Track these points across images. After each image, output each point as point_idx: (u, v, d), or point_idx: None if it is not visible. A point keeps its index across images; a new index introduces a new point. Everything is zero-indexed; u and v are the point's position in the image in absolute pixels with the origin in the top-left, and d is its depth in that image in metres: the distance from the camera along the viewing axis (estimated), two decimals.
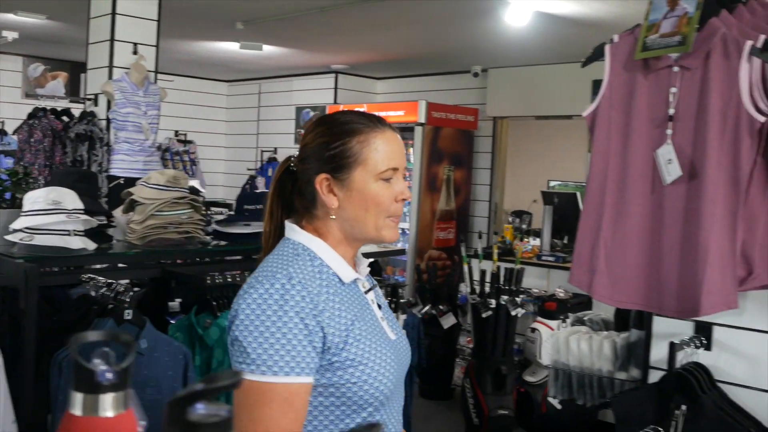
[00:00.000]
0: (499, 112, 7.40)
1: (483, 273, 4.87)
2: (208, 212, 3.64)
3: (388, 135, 1.48)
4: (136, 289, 2.66)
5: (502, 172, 7.52)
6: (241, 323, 1.36)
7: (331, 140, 1.46)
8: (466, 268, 5.08)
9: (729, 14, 2.15)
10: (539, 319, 4.69)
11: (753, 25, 2.13)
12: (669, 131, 2.11)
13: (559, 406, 4.18)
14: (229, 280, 2.93)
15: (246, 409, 1.33)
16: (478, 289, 4.87)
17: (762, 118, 1.99)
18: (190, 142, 8.28)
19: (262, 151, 8.79)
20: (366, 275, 1.58)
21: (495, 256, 5.03)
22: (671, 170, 2.09)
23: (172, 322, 2.98)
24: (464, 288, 5.28)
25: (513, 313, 4.73)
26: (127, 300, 2.80)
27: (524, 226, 6.34)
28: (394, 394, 1.49)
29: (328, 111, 7.84)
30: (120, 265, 3.04)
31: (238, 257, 3.68)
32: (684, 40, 2.05)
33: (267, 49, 6.85)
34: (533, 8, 4.95)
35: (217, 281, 2.89)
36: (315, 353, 1.36)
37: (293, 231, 1.49)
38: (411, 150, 7.25)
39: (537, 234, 6.01)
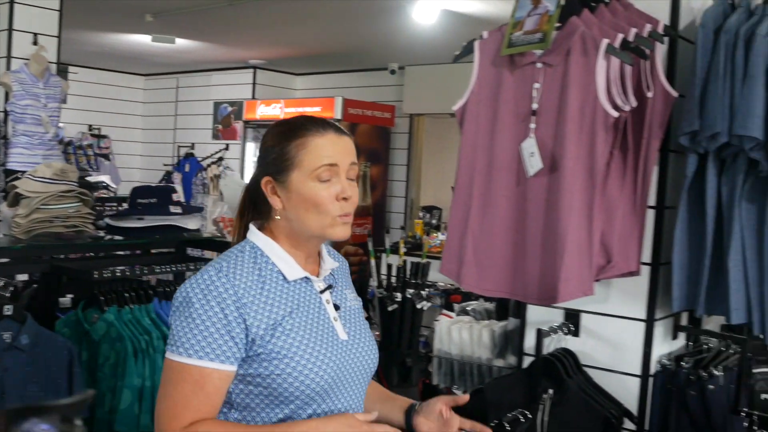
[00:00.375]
0: (416, 109, 7.51)
1: (389, 267, 4.95)
2: (102, 206, 3.61)
3: (329, 137, 1.54)
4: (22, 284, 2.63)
5: (418, 169, 7.64)
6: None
7: (273, 144, 1.55)
8: (373, 262, 5.14)
9: (591, 14, 2.26)
10: (444, 311, 4.78)
11: (613, 24, 2.25)
12: (532, 125, 2.20)
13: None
14: (118, 274, 2.92)
15: (164, 385, 1.48)
16: (385, 283, 4.94)
17: (615, 114, 2.10)
18: (104, 136, 8.14)
19: (179, 147, 8.71)
20: (327, 275, 1.64)
21: (401, 251, 5.11)
22: (533, 163, 2.18)
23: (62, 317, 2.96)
24: (373, 282, 5.35)
25: (419, 306, 4.81)
26: (7, 295, 2.77)
27: (434, 221, 6.45)
28: (336, 393, 1.54)
29: (245, 106, 7.82)
30: (2, 260, 2.99)
31: (135, 252, 3.67)
32: (544, 37, 2.15)
33: (180, 42, 6.79)
34: (440, 6, 5.06)
35: (104, 276, 2.88)
36: (233, 343, 1.45)
37: (250, 231, 1.58)
38: None
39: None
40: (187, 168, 8.27)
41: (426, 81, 7.37)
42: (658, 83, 2.26)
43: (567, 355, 2.51)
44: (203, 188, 7.62)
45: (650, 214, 2.39)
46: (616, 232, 2.26)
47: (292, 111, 7.51)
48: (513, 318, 2.76)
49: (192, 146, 8.47)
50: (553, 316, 2.60)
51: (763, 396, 3.88)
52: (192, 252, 3.80)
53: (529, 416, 2.38)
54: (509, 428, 2.30)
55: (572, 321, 2.56)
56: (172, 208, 3.29)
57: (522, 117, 2.23)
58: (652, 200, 2.39)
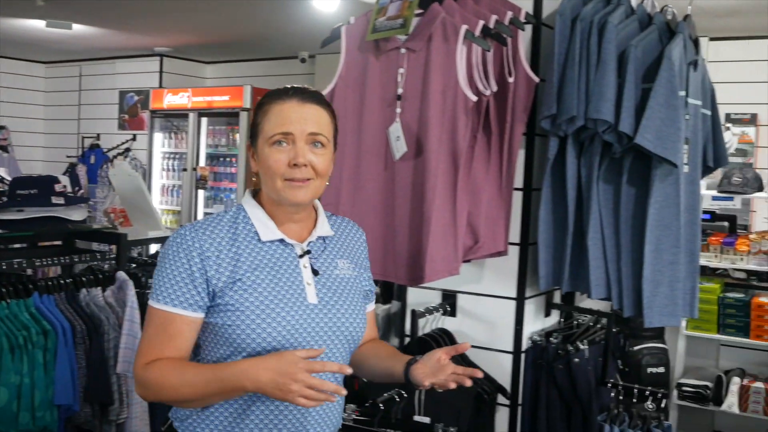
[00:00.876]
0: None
1: None
2: None
3: (290, 104, 1.62)
4: None
5: None
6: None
7: (254, 113, 1.69)
8: None
9: (453, 1, 2.35)
10: None
11: (475, 12, 2.34)
12: (398, 110, 2.29)
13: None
14: None
15: (143, 328, 1.66)
16: None
17: (474, 98, 2.20)
18: (2, 127, 7.91)
19: (84, 138, 8.52)
20: (315, 241, 1.71)
21: None
22: (399, 147, 2.26)
23: None
24: None
25: None
26: None
27: None
28: (286, 349, 1.57)
29: (152, 95, 7.71)
30: None
31: (23, 245, 3.61)
32: (405, 23, 2.23)
33: (78, 28, 6.65)
34: None
35: None
36: (195, 292, 1.60)
37: (244, 196, 1.74)
38: (237, 135, 7.27)
39: None
40: (92, 160, 8.11)
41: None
42: (521, 69, 2.37)
43: (443, 334, 2.61)
44: (109, 180, 7.49)
45: (517, 196, 2.51)
46: (482, 213, 2.36)
47: (200, 100, 7.42)
48: (396, 301, 2.84)
49: (97, 137, 8.30)
50: (432, 298, 2.70)
51: (650, 370, 4.10)
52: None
53: (405, 395, 2.48)
54: (384, 408, 2.39)
55: (449, 301, 2.66)
56: (54, 199, 3.25)
57: (388, 102, 2.31)
58: (519, 182, 2.51)
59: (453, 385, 1.73)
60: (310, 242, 1.70)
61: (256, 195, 1.73)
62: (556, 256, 2.47)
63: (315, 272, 1.68)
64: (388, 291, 3.02)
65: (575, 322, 2.71)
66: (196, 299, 1.60)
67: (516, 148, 2.40)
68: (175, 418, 1.72)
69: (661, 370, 4.04)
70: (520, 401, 2.59)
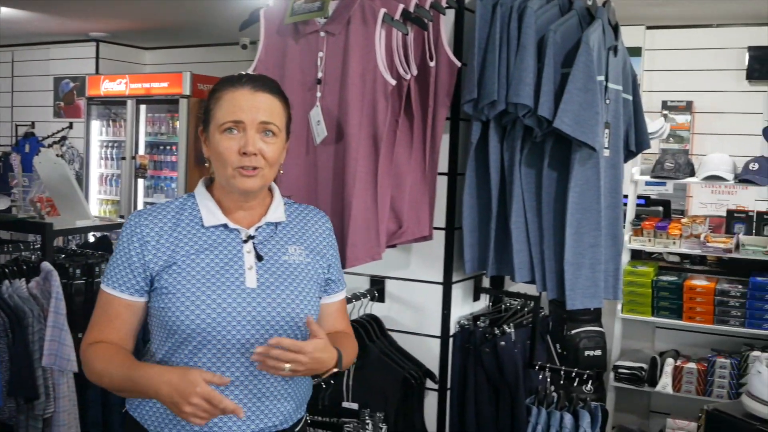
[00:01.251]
0: None
1: None
2: None
3: (241, 92, 1.66)
4: None
5: None
6: None
7: (206, 98, 1.72)
8: None
9: None
10: None
11: None
12: (318, 94, 2.29)
13: None
14: None
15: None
16: None
17: (393, 82, 2.21)
18: None
19: (18, 126, 8.32)
20: (264, 227, 1.73)
21: None
22: (320, 131, 2.27)
23: None
24: None
25: None
26: None
27: None
28: (223, 335, 1.62)
29: (88, 82, 7.56)
30: None
31: None
32: (322, 5, 2.23)
33: (6, 12, 6.49)
34: None
35: None
36: (132, 276, 1.66)
37: (198, 184, 1.77)
38: (178, 123, 7.18)
39: None
40: (27, 148, 7.92)
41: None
42: (443, 53, 2.39)
43: (371, 320, 2.63)
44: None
45: (442, 181, 2.54)
46: (406, 198, 2.38)
47: (138, 87, 7.30)
48: None
49: (32, 125, 8.11)
50: (360, 284, 2.71)
51: (587, 353, 4.18)
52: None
53: (332, 382, 2.50)
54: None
55: (377, 287, 2.68)
56: None
57: (308, 85, 2.31)
58: (443, 167, 2.53)
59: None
60: (258, 228, 1.73)
61: (210, 184, 1.76)
62: (481, 240, 2.51)
63: (259, 257, 1.70)
64: None
65: (503, 306, 2.75)
66: (132, 283, 1.67)
67: (439, 132, 2.42)
68: (134, 408, 1.75)
69: (598, 353, 4.13)
70: (448, 385, 2.63)
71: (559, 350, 4.11)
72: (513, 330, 2.56)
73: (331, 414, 2.47)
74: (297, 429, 1.82)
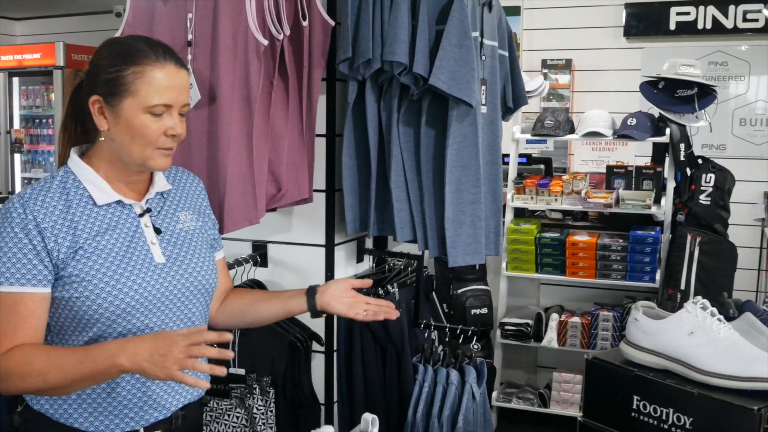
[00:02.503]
0: None
1: None
2: None
3: (168, 70, 1.60)
4: None
5: None
6: None
7: (109, 64, 1.58)
8: None
9: None
10: None
11: None
12: (189, 57, 2.23)
13: None
14: None
15: None
16: None
17: (265, 42, 2.18)
18: None
19: None
20: (154, 198, 1.71)
21: None
22: (192, 95, 2.21)
23: None
24: None
25: None
26: None
27: None
28: (145, 314, 1.61)
29: None
30: None
31: None
32: None
33: None
34: None
35: None
36: (42, 266, 1.55)
37: (70, 158, 1.66)
38: (53, 95, 6.91)
39: None
40: None
41: None
42: (316, 12, 2.37)
43: (254, 285, 2.62)
44: None
45: (321, 143, 2.54)
46: (284, 161, 2.37)
47: (9, 58, 7.02)
48: None
49: None
50: (242, 249, 2.69)
51: (474, 311, 4.30)
52: None
53: (215, 345, 2.47)
54: None
55: (259, 252, 2.67)
56: None
57: (179, 48, 2.24)
58: (321, 128, 2.53)
59: (378, 317, 1.90)
60: (148, 200, 1.71)
61: (83, 154, 1.68)
62: (362, 201, 2.53)
63: (157, 230, 1.70)
64: None
65: (387, 267, 2.79)
66: (44, 273, 1.56)
67: (315, 93, 2.41)
68: (38, 401, 1.66)
69: (485, 311, 4.26)
70: (335, 347, 2.65)
71: (446, 310, 4.23)
72: (397, 290, 2.60)
73: (217, 381, 2.45)
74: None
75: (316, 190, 2.52)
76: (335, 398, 2.67)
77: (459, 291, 4.25)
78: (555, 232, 4.35)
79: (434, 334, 2.84)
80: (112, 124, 1.60)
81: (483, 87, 2.49)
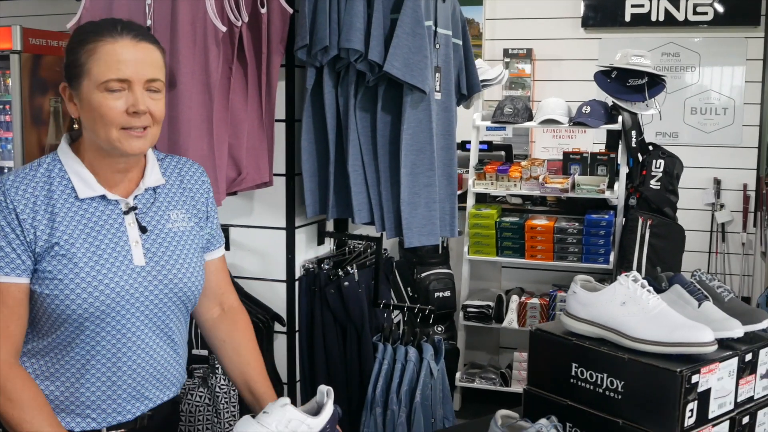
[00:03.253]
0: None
1: None
2: None
3: (121, 44, 1.51)
4: None
5: None
6: None
7: (69, 49, 1.54)
8: None
9: None
10: None
11: None
12: None
13: None
14: None
15: None
16: None
17: (224, 28, 2.25)
18: None
19: None
20: (144, 194, 1.62)
21: None
22: None
23: None
24: None
25: None
26: None
27: None
28: (118, 320, 1.56)
29: None
30: None
31: None
32: None
33: None
34: None
35: None
36: (26, 255, 1.51)
37: (60, 144, 1.60)
38: (9, 80, 6.84)
39: None
40: None
41: None
42: (275, 0, 2.44)
43: None
44: None
45: (281, 128, 2.61)
46: (244, 145, 2.44)
47: None
48: None
49: None
50: None
51: (437, 294, 4.41)
52: None
53: None
54: None
55: (223, 233, 2.73)
56: None
57: None
58: (281, 114, 2.60)
59: None
60: (136, 196, 1.62)
61: (73, 142, 1.61)
62: (321, 184, 2.61)
63: (143, 229, 1.61)
64: None
65: (347, 249, 2.88)
66: (27, 264, 1.52)
67: (274, 79, 2.48)
68: None
69: (448, 294, 4.37)
70: (296, 328, 2.74)
71: (410, 293, 4.33)
72: (356, 270, 2.69)
73: (193, 362, 2.52)
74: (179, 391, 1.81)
75: (276, 174, 2.60)
76: (298, 377, 2.76)
77: (422, 275, 4.35)
78: (514, 217, 4.46)
79: (398, 317, 2.95)
80: (80, 109, 1.55)
81: (437, 74, 2.59)
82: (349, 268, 2.68)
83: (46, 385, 1.60)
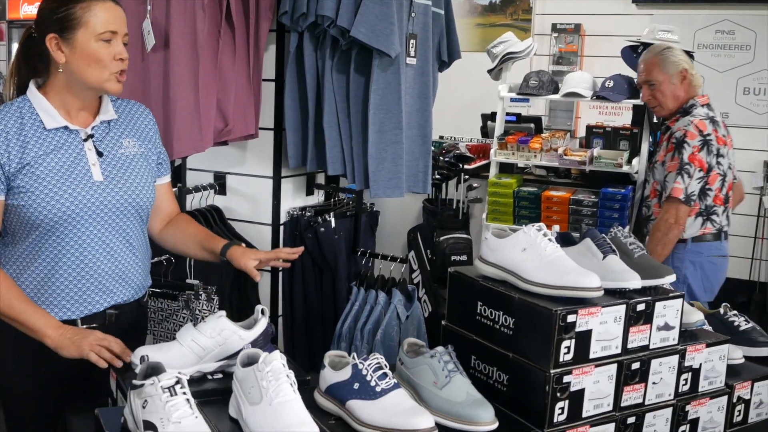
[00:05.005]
0: None
1: None
2: None
3: (108, 5, 1.96)
4: None
5: None
6: None
7: (59, 5, 1.93)
8: None
9: None
10: None
11: None
12: (149, 7, 2.67)
13: None
14: None
15: None
16: None
17: None
18: None
19: None
20: (99, 125, 2.04)
21: None
22: (150, 40, 2.67)
23: None
24: None
25: None
26: None
27: None
28: (82, 223, 1.98)
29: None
30: None
31: None
32: None
33: None
34: None
35: None
36: None
37: (29, 88, 1.99)
38: None
39: None
40: None
41: None
42: None
43: (212, 210, 3.09)
44: None
45: (270, 87, 2.97)
46: (231, 100, 2.81)
47: None
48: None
49: None
50: (205, 178, 3.16)
51: (453, 257, 4.71)
52: None
53: (173, 260, 2.95)
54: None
55: (219, 181, 3.13)
56: None
57: (140, 0, 2.70)
58: (271, 74, 2.96)
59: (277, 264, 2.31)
60: (94, 126, 2.06)
61: (39, 87, 2.02)
62: (302, 139, 2.95)
63: (99, 153, 2.03)
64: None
65: (333, 201, 3.22)
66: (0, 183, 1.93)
67: (262, 43, 2.84)
68: None
69: (464, 257, 4.64)
70: (279, 269, 3.11)
71: (429, 255, 4.63)
72: (333, 219, 3.03)
73: (176, 288, 2.93)
74: (145, 296, 2.27)
75: (264, 128, 2.97)
76: (280, 312, 3.14)
77: (441, 238, 4.64)
78: (533, 187, 4.69)
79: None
80: (69, 56, 1.94)
81: (413, 41, 2.88)
82: (326, 216, 3.02)
83: (22, 281, 2.03)
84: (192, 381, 2.02)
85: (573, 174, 4.88)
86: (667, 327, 2.14)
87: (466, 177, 5.08)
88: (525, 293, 2.03)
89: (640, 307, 2.05)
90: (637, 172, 4.45)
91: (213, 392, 1.98)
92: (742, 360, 2.46)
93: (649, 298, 2.08)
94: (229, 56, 2.77)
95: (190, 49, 2.65)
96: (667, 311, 2.13)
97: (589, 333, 1.97)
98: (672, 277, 2.20)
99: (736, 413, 2.36)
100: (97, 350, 1.89)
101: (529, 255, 2.10)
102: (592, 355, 1.98)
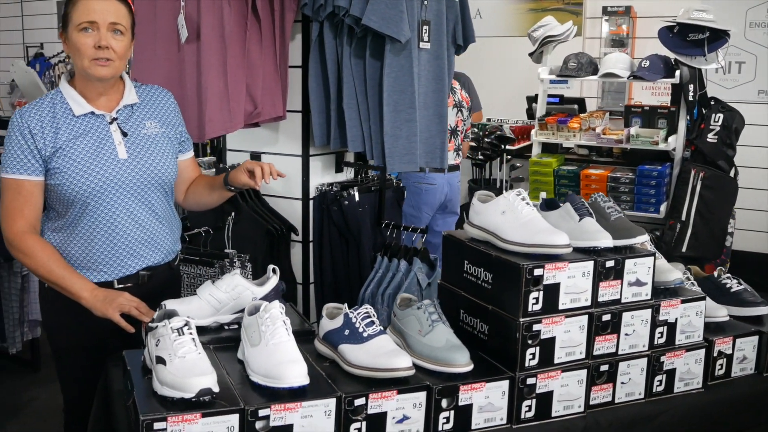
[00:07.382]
0: None
1: None
2: None
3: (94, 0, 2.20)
4: None
5: None
6: None
7: (64, 6, 2.27)
8: None
9: None
10: None
11: None
12: (182, 3, 3.02)
13: None
14: None
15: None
16: None
17: None
18: None
19: (28, 47, 9.23)
20: (122, 108, 2.35)
21: None
22: (183, 33, 3.01)
23: None
24: None
25: None
26: None
27: None
28: (112, 197, 2.29)
29: None
30: None
31: None
32: None
33: None
34: None
35: None
36: (35, 161, 2.22)
37: (60, 79, 2.33)
38: None
39: None
40: (37, 68, 8.85)
41: None
42: None
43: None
44: (51, 86, 8.24)
45: (298, 72, 3.28)
46: (260, 85, 3.14)
47: None
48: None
49: (41, 46, 9.02)
50: (243, 157, 3.50)
51: None
52: None
53: (211, 231, 3.32)
54: (189, 241, 3.24)
55: (255, 159, 3.47)
56: None
57: None
58: (297, 61, 3.28)
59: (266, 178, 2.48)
60: (117, 110, 2.37)
61: (71, 79, 2.34)
62: (326, 119, 3.25)
63: (124, 134, 2.35)
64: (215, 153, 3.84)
65: (360, 177, 3.52)
66: (34, 166, 2.25)
67: (287, 33, 3.15)
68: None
69: None
70: (310, 238, 3.43)
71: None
72: (357, 193, 3.32)
73: (213, 257, 3.29)
74: (176, 260, 2.59)
75: (293, 111, 3.29)
76: (311, 279, 3.46)
77: None
78: (573, 166, 4.88)
79: None
80: (67, 48, 2.26)
81: (425, 27, 3.15)
82: (351, 191, 3.32)
83: (66, 249, 2.36)
84: (210, 330, 2.37)
85: (615, 153, 5.04)
86: (639, 283, 2.35)
87: (509, 157, 5.30)
88: (502, 251, 2.27)
89: (609, 263, 2.27)
90: (674, 150, 4.59)
91: (227, 339, 2.31)
92: (727, 318, 2.64)
93: (618, 256, 2.30)
94: (256, 46, 3.09)
95: (218, 40, 2.98)
96: (638, 268, 2.34)
97: (557, 286, 2.20)
98: (644, 237, 2.41)
99: (717, 366, 2.55)
100: (125, 309, 2.22)
101: (507, 217, 2.33)
102: (561, 306, 2.22)
